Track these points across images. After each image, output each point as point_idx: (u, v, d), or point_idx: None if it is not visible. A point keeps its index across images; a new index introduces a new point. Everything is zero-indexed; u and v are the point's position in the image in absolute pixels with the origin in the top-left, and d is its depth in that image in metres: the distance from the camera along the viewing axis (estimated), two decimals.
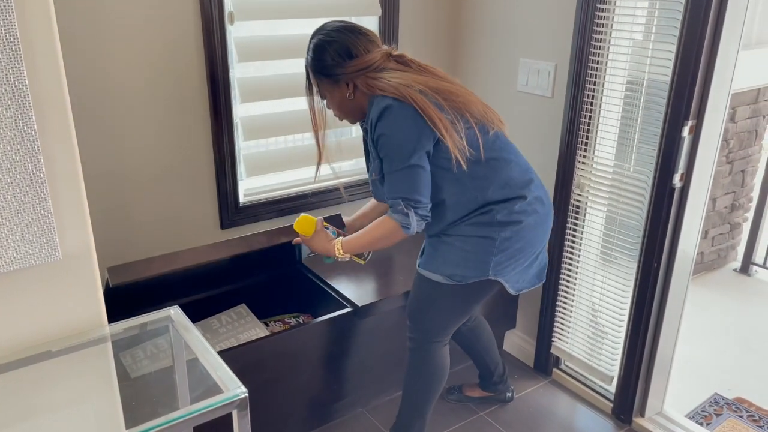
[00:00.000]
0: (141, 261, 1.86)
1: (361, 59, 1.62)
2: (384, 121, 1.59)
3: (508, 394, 2.29)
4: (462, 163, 1.61)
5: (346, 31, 1.65)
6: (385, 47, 1.68)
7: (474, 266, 1.72)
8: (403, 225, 1.65)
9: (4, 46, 1.02)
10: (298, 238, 1.90)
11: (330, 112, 1.79)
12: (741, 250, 3.54)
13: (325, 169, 1.87)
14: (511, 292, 1.80)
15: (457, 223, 1.71)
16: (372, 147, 1.67)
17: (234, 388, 1.15)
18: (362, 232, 1.75)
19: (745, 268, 3.47)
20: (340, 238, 1.79)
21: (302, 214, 1.85)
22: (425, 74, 1.67)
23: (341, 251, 1.77)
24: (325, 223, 1.86)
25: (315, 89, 1.73)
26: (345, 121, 1.80)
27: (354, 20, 2.34)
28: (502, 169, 1.69)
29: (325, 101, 1.74)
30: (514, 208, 1.69)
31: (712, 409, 2.37)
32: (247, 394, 1.15)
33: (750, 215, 3.47)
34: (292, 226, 1.87)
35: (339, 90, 1.67)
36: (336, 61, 1.63)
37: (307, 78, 1.73)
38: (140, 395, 1.35)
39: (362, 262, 1.87)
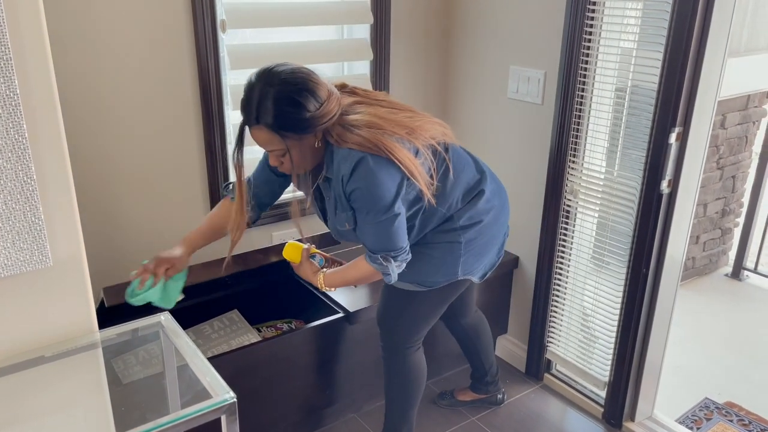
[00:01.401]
0: None
1: (329, 104, 1.46)
2: (358, 175, 1.48)
3: (500, 396, 2.30)
4: (432, 201, 1.59)
5: (301, 73, 1.45)
6: (325, 81, 1.51)
7: (444, 270, 1.74)
8: (384, 273, 1.61)
9: None
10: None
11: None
12: (732, 255, 3.56)
13: None
14: (477, 281, 1.83)
15: (423, 235, 1.72)
16: (341, 199, 1.56)
17: (223, 394, 1.16)
18: (343, 271, 1.71)
19: (736, 273, 3.49)
20: (324, 270, 1.75)
21: (289, 240, 1.82)
22: (382, 104, 1.59)
23: (324, 286, 1.73)
24: (313, 250, 1.80)
25: (270, 149, 1.51)
26: None
27: (346, 28, 2.38)
28: (460, 176, 1.69)
29: (280, 158, 1.53)
30: (475, 209, 1.70)
31: (703, 414, 2.39)
32: (235, 400, 1.16)
33: (741, 220, 3.50)
34: (284, 243, 1.85)
35: (306, 141, 1.49)
36: (309, 111, 1.43)
37: (240, 139, 1.51)
38: (130, 400, 1.36)
39: (353, 286, 1.89)
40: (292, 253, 1.79)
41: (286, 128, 1.45)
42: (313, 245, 1.82)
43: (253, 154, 1.89)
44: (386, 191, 1.50)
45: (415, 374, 1.92)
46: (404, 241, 1.59)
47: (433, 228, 1.70)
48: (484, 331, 2.18)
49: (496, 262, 1.88)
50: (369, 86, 2.33)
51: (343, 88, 1.59)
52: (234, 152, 1.54)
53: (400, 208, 1.55)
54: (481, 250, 1.76)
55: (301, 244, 1.80)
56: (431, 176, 1.59)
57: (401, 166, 1.49)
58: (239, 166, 1.56)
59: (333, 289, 1.76)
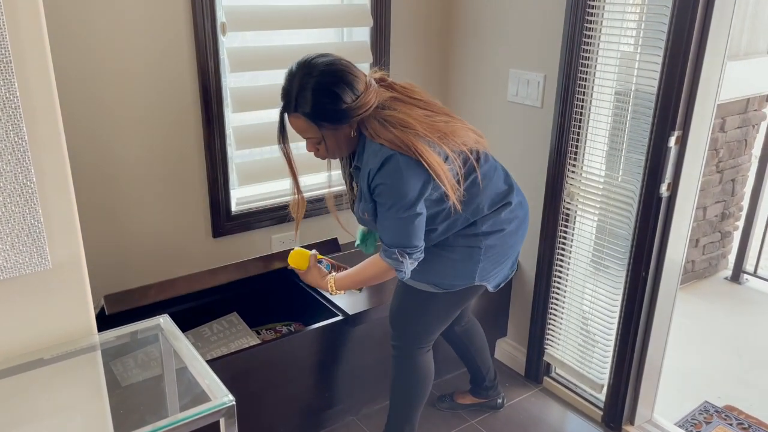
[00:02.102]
0: (137, 289, 1.86)
1: (366, 95, 1.51)
2: (385, 171, 1.53)
3: (499, 401, 2.30)
4: (458, 206, 1.61)
5: (341, 65, 1.51)
6: (367, 74, 1.57)
7: (461, 274, 1.74)
8: (398, 270, 1.64)
9: None
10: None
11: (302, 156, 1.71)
12: (732, 258, 3.56)
13: (318, 178, 1.87)
14: (491, 290, 1.84)
15: (446, 237, 1.73)
16: (366, 190, 1.61)
17: (221, 396, 1.16)
18: (355, 271, 1.74)
19: (735, 277, 3.49)
20: (333, 274, 1.78)
21: (295, 247, 1.83)
22: (419, 105, 1.60)
23: (334, 289, 1.76)
24: (319, 256, 1.83)
25: (307, 136, 1.58)
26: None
27: (346, 31, 2.38)
28: (489, 185, 1.71)
29: (317, 145, 1.61)
30: (499, 218, 1.72)
31: (702, 417, 2.38)
32: (234, 403, 1.16)
33: (740, 224, 3.50)
34: (287, 250, 1.87)
35: (341, 132, 1.55)
36: (346, 103, 1.49)
37: (282, 127, 1.58)
38: (129, 403, 1.36)
39: (357, 290, 1.89)
40: (299, 260, 1.80)
41: (323, 118, 1.51)
42: (318, 252, 1.85)
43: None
44: (410, 190, 1.54)
45: (423, 375, 1.92)
46: (420, 240, 1.62)
47: (456, 231, 1.71)
48: (477, 336, 2.18)
49: (510, 275, 1.88)
50: None
51: (381, 81, 1.62)
52: (278, 139, 1.61)
53: (422, 208, 1.58)
54: (499, 258, 1.76)
55: (307, 250, 1.82)
56: (458, 182, 1.60)
57: (429, 168, 1.52)
58: (286, 151, 1.63)
59: (343, 292, 1.79)
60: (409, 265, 1.64)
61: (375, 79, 1.60)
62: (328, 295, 1.80)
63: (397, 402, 1.96)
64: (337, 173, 1.83)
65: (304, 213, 1.78)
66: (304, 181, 1.84)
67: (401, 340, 1.90)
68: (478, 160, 1.68)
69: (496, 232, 1.72)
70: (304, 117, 1.52)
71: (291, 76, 1.52)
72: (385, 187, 1.55)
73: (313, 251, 1.83)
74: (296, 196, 1.73)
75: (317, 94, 1.48)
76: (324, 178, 1.94)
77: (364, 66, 2.36)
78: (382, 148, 1.53)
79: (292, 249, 1.83)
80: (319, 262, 1.82)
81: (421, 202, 1.57)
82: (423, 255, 1.66)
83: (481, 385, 2.26)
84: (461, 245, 1.71)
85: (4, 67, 1.05)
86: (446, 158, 1.58)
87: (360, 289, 1.88)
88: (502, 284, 1.87)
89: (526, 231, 1.85)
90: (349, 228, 1.95)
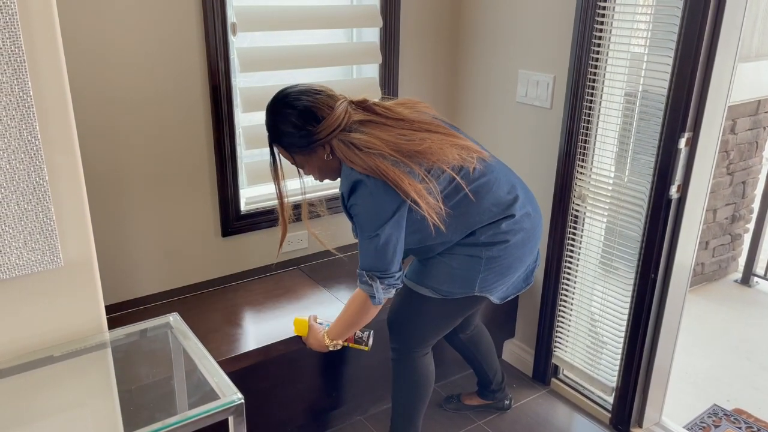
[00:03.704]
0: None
1: (328, 120, 1.55)
2: (357, 195, 1.57)
3: (506, 402, 2.29)
4: (440, 225, 1.60)
5: (303, 95, 1.58)
6: (342, 97, 1.61)
7: (460, 283, 1.73)
8: (370, 295, 1.64)
9: (10, 58, 1.05)
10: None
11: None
12: (742, 261, 3.54)
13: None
14: (496, 302, 1.82)
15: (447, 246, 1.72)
16: (346, 213, 1.65)
17: (230, 395, 1.17)
18: (340, 315, 1.76)
19: (746, 280, 3.47)
20: (325, 328, 1.79)
21: (295, 317, 1.86)
22: (393, 125, 1.60)
23: (330, 341, 1.77)
24: (318, 320, 1.86)
25: (290, 162, 1.67)
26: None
27: (355, 32, 2.39)
28: (484, 196, 1.67)
29: (303, 170, 1.69)
30: (499, 229, 1.68)
31: (711, 421, 2.37)
32: (243, 401, 1.16)
33: (751, 226, 3.48)
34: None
35: (316, 156, 1.61)
36: (305, 130, 1.55)
37: (272, 154, 1.66)
38: (139, 400, 1.37)
39: (366, 348, 1.83)
40: (300, 327, 1.84)
41: (289, 145, 1.61)
42: (316, 316, 1.88)
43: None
44: (380, 213, 1.56)
45: (423, 379, 1.92)
46: (393, 266, 1.61)
47: (458, 242, 1.70)
48: (483, 342, 2.17)
49: (523, 287, 1.86)
50: (378, 91, 2.34)
51: (362, 103, 1.63)
52: (270, 163, 1.69)
53: (394, 228, 1.57)
54: (503, 270, 1.73)
55: (304, 318, 1.85)
56: (436, 199, 1.59)
57: (397, 189, 1.52)
58: (275, 173, 1.70)
59: (340, 342, 1.78)
60: (382, 291, 1.63)
61: (354, 101, 1.62)
62: (337, 348, 1.79)
63: (398, 405, 1.97)
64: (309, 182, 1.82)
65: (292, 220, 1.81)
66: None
67: (399, 343, 1.90)
68: (466, 175, 1.64)
69: (498, 244, 1.69)
70: (278, 146, 1.64)
71: (266, 111, 1.63)
72: (356, 208, 1.59)
73: (311, 315, 1.87)
74: (281, 221, 1.77)
75: (279, 125, 1.59)
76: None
77: (373, 67, 2.37)
78: (352, 171, 1.56)
79: (294, 319, 1.86)
80: (321, 324, 1.84)
81: (392, 222, 1.56)
82: (399, 283, 1.65)
83: (487, 387, 2.26)
84: (462, 254, 1.70)
85: (18, 66, 1.06)
86: (414, 175, 1.55)
87: (367, 345, 1.81)
88: (511, 297, 1.85)
89: (536, 244, 1.80)
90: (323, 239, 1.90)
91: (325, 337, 1.78)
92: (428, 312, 1.82)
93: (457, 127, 1.76)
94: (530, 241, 1.76)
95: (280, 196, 1.72)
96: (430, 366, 1.93)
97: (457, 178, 1.62)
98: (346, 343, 1.80)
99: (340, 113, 1.56)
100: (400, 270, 1.64)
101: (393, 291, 1.66)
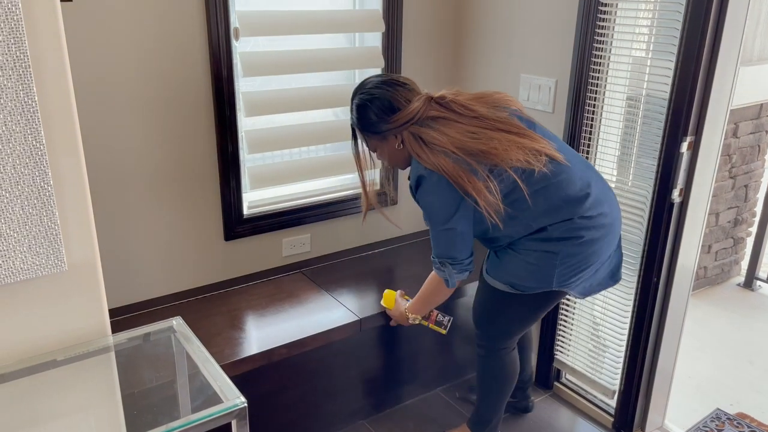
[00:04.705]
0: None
1: (403, 112, 1.67)
2: (421, 188, 1.69)
3: (526, 404, 2.30)
4: (498, 223, 1.64)
5: (385, 85, 1.71)
6: (425, 93, 1.72)
7: (537, 278, 1.75)
8: (444, 279, 1.80)
9: (15, 63, 1.06)
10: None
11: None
12: (744, 264, 3.53)
13: (337, 181, 1.89)
14: (579, 298, 1.86)
15: (519, 240, 1.74)
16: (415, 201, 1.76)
17: (233, 398, 1.17)
18: (419, 292, 1.92)
19: (748, 283, 3.46)
20: (407, 303, 1.96)
21: (387, 290, 2.03)
22: (465, 122, 1.66)
23: (410, 314, 1.94)
24: (405, 297, 2.01)
25: (363, 144, 1.81)
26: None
27: (358, 36, 2.40)
28: (550, 195, 1.68)
29: (375, 153, 1.83)
30: (573, 224, 1.69)
31: (714, 425, 2.37)
32: (246, 404, 1.17)
33: (753, 230, 3.48)
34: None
35: (387, 143, 1.74)
36: (381, 118, 1.69)
37: (353, 134, 1.83)
38: (142, 404, 1.37)
39: (443, 331, 1.99)
40: (388, 299, 2.01)
41: (364, 129, 1.76)
42: (403, 292, 2.03)
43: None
44: (444, 206, 1.67)
45: (508, 374, 2.00)
46: (463, 254, 1.73)
47: (529, 236, 1.72)
48: (524, 336, 2.18)
49: (610, 283, 1.86)
50: None
51: (440, 99, 1.70)
52: (351, 145, 1.86)
53: (461, 223, 1.68)
54: (579, 265, 1.73)
55: (393, 291, 2.03)
56: (495, 198, 1.62)
57: (456, 187, 1.61)
58: (356, 157, 1.86)
59: (419, 317, 1.95)
60: (454, 275, 1.77)
61: (434, 97, 1.70)
62: (417, 322, 1.95)
63: (485, 395, 2.04)
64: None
65: (371, 206, 1.94)
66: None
67: (484, 339, 1.96)
68: (529, 177, 1.65)
69: (572, 239, 1.69)
70: (356, 128, 1.79)
71: (352, 95, 1.78)
72: (423, 202, 1.71)
73: (399, 291, 2.03)
74: (363, 195, 1.93)
75: (359, 110, 1.74)
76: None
77: (375, 71, 2.37)
78: (419, 165, 1.67)
79: (385, 292, 2.03)
80: (406, 300, 1.99)
81: (458, 217, 1.67)
82: (471, 267, 1.77)
83: None
84: (538, 250, 1.72)
85: (23, 72, 1.07)
86: (476, 174, 1.61)
87: (446, 328, 1.98)
88: (597, 293, 1.87)
89: (613, 239, 1.79)
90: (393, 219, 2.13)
91: (407, 312, 1.94)
92: (509, 308, 1.86)
93: (537, 124, 1.77)
94: (607, 236, 1.75)
95: (362, 174, 1.87)
96: (515, 362, 2.01)
97: (519, 181, 1.64)
98: (426, 323, 1.97)
99: (416, 107, 1.67)
100: (470, 255, 1.75)
101: (466, 274, 1.78)
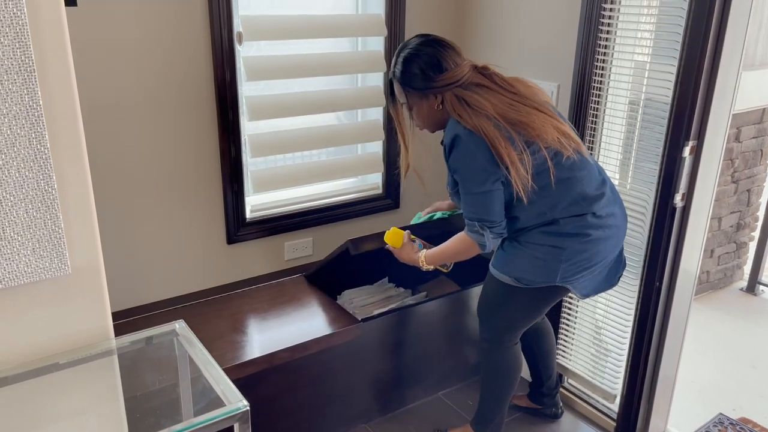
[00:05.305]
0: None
1: (450, 72, 1.68)
2: (456, 149, 1.68)
3: (555, 411, 2.30)
4: (523, 197, 1.65)
5: (434, 44, 1.71)
6: (468, 59, 1.73)
7: (542, 272, 1.76)
8: (480, 243, 1.75)
9: (20, 67, 1.06)
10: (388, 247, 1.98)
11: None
12: (747, 269, 3.53)
13: (339, 185, 1.89)
14: (579, 297, 1.85)
15: (528, 230, 1.76)
16: (446, 165, 1.75)
17: (236, 402, 1.17)
18: (444, 246, 1.86)
19: (751, 288, 3.45)
20: (425, 250, 1.90)
21: (393, 227, 1.97)
22: (506, 95, 1.69)
23: (425, 263, 1.89)
24: (412, 237, 1.97)
25: (400, 101, 1.79)
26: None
27: (360, 40, 2.40)
28: (572, 187, 1.71)
29: (410, 111, 1.81)
30: (583, 222, 1.72)
31: (717, 430, 2.36)
32: (248, 408, 1.17)
33: (756, 234, 3.47)
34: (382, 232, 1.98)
35: (427, 102, 1.73)
36: (426, 75, 1.69)
37: (391, 90, 1.81)
38: (144, 407, 1.38)
39: (446, 270, 1.98)
40: (394, 238, 1.93)
41: (407, 83, 1.74)
42: (411, 232, 1.98)
43: None
44: (480, 167, 1.65)
45: (512, 368, 1.99)
46: (498, 216, 1.71)
47: (540, 228, 1.73)
48: (546, 339, 2.18)
49: (606, 287, 1.88)
50: (382, 99, 2.35)
51: (484, 69, 1.74)
52: (386, 104, 1.89)
53: (495, 184, 1.67)
54: (584, 263, 1.76)
55: (401, 230, 1.96)
56: (527, 172, 1.64)
57: (491, 149, 1.62)
58: (395, 114, 1.86)
59: (432, 267, 1.90)
60: (491, 239, 1.73)
61: (479, 66, 1.73)
62: (425, 268, 1.91)
63: (487, 391, 2.04)
64: None
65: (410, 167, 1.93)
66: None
67: (488, 332, 1.97)
68: (559, 161, 1.69)
69: (581, 236, 1.72)
70: (396, 81, 1.76)
71: (397, 50, 1.77)
72: (458, 163, 1.69)
73: (407, 231, 1.96)
74: (404, 152, 1.91)
75: (406, 63, 1.72)
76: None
77: (378, 75, 2.38)
78: (457, 125, 1.66)
79: (389, 229, 1.96)
80: (413, 240, 1.95)
81: (493, 179, 1.66)
82: (505, 231, 1.75)
83: (538, 390, 2.27)
84: (546, 244, 1.74)
85: (27, 76, 1.07)
86: (513, 143, 1.63)
87: (448, 268, 1.96)
88: (594, 295, 1.88)
89: (617, 243, 1.82)
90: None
91: (422, 259, 1.88)
92: (514, 301, 1.87)
93: (565, 118, 1.80)
94: (612, 238, 1.78)
95: (403, 131, 1.86)
96: (519, 357, 2.00)
97: (549, 162, 1.67)
98: (431, 267, 1.93)
99: (463, 70, 1.69)
100: (504, 219, 1.73)
101: (500, 239, 1.76)
